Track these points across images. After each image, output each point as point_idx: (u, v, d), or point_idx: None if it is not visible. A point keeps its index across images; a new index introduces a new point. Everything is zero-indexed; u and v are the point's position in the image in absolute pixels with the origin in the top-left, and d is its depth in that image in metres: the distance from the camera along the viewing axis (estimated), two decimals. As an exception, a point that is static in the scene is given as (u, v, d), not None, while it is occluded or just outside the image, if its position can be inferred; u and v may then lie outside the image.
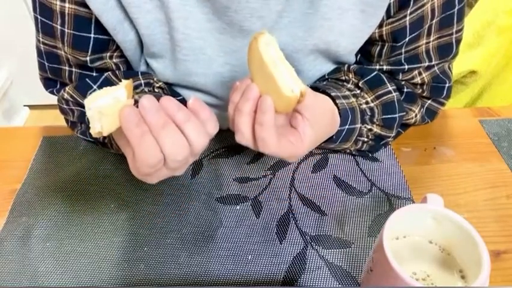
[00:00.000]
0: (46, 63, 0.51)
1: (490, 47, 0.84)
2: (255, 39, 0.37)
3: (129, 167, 0.39)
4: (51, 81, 0.54)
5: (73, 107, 0.53)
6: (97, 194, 0.54)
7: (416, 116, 0.55)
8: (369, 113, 0.52)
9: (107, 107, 0.35)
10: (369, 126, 0.52)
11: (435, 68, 0.53)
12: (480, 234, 0.35)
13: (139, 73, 0.53)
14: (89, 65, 0.50)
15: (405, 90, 0.54)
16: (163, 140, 0.36)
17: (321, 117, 0.45)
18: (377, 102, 0.52)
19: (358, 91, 0.53)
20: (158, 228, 0.50)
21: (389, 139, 0.55)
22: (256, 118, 0.39)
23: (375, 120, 0.52)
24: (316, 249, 0.48)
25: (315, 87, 0.50)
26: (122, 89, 0.36)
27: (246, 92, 0.39)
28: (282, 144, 0.40)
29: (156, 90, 0.54)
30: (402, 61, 0.52)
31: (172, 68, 0.52)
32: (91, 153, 0.59)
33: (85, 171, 0.57)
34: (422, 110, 0.56)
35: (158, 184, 0.54)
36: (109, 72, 0.52)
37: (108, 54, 0.51)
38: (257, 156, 0.58)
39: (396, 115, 0.52)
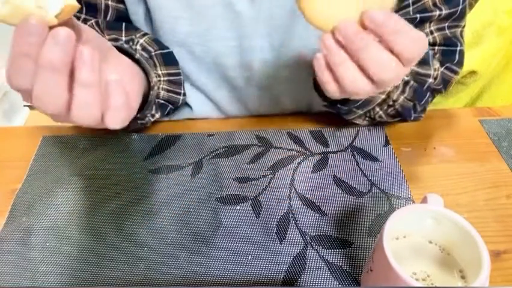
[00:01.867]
0: None
1: (490, 47, 0.84)
2: None
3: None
4: None
5: None
6: (97, 194, 0.54)
7: (438, 69, 0.55)
8: None
9: (24, 4, 0.30)
10: None
11: (447, 31, 0.54)
12: (480, 234, 0.35)
13: (123, 27, 0.52)
14: None
15: None
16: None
17: None
18: None
19: None
20: (158, 228, 0.50)
21: (430, 80, 0.52)
22: (387, 40, 0.33)
23: None
24: (316, 249, 0.48)
25: None
26: (60, 4, 0.31)
27: (343, 29, 0.32)
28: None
29: (139, 47, 0.53)
30: (412, 13, 0.53)
31: None
32: (91, 153, 0.59)
33: (85, 171, 0.57)
34: (439, 70, 0.56)
35: (158, 184, 0.55)
36: (93, 21, 0.51)
37: None
38: (257, 156, 0.58)
39: (428, 50, 0.51)
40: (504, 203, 0.52)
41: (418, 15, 0.53)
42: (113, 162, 0.58)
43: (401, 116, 0.56)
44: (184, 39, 0.55)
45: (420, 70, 0.52)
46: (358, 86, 0.34)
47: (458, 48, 0.56)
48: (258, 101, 0.63)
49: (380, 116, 0.57)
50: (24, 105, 0.44)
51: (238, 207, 0.52)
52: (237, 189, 0.54)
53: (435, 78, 0.56)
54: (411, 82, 0.53)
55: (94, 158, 0.59)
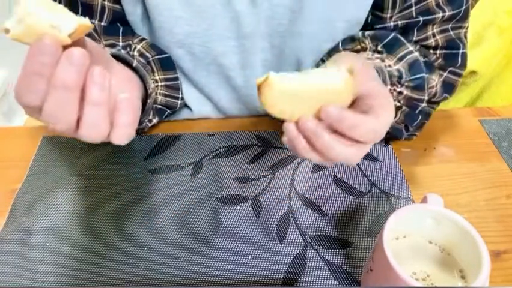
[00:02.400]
0: None
1: (490, 47, 0.84)
2: (267, 86, 0.34)
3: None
4: None
5: None
6: (97, 194, 0.54)
7: (436, 85, 0.54)
8: (396, 74, 0.50)
9: (38, 24, 0.30)
10: (398, 89, 0.50)
11: (451, 32, 0.54)
12: (480, 234, 0.36)
13: (120, 32, 0.52)
14: None
15: (421, 60, 0.53)
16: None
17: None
18: (401, 63, 0.51)
19: (379, 55, 0.52)
20: (158, 228, 0.50)
21: (423, 104, 0.53)
22: (345, 130, 0.34)
23: (403, 81, 0.50)
24: (316, 249, 0.48)
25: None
26: (74, 23, 0.31)
27: (302, 126, 0.34)
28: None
29: (136, 53, 0.53)
30: (414, 15, 0.53)
31: None
32: (90, 153, 0.59)
33: (85, 171, 0.57)
34: (440, 79, 0.56)
35: (158, 184, 0.55)
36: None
37: None
38: (257, 156, 0.58)
39: (424, 74, 0.51)
40: (504, 203, 0.52)
41: (421, 18, 0.53)
42: (113, 162, 0.58)
43: (392, 135, 0.56)
44: (184, 39, 0.55)
45: (414, 95, 0.52)
46: (325, 164, 0.36)
47: (461, 51, 0.55)
48: (258, 101, 0.63)
49: None
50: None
51: (238, 207, 0.52)
52: (237, 189, 0.54)
53: (434, 95, 0.56)
54: (404, 107, 0.53)
55: (94, 158, 0.59)
